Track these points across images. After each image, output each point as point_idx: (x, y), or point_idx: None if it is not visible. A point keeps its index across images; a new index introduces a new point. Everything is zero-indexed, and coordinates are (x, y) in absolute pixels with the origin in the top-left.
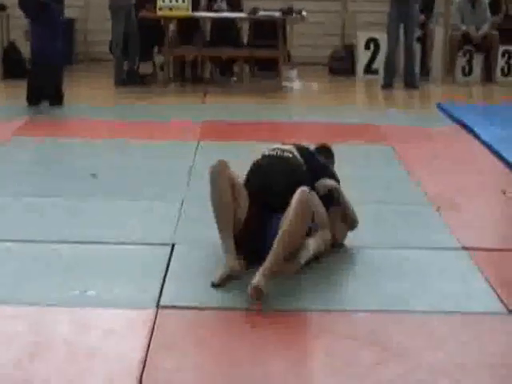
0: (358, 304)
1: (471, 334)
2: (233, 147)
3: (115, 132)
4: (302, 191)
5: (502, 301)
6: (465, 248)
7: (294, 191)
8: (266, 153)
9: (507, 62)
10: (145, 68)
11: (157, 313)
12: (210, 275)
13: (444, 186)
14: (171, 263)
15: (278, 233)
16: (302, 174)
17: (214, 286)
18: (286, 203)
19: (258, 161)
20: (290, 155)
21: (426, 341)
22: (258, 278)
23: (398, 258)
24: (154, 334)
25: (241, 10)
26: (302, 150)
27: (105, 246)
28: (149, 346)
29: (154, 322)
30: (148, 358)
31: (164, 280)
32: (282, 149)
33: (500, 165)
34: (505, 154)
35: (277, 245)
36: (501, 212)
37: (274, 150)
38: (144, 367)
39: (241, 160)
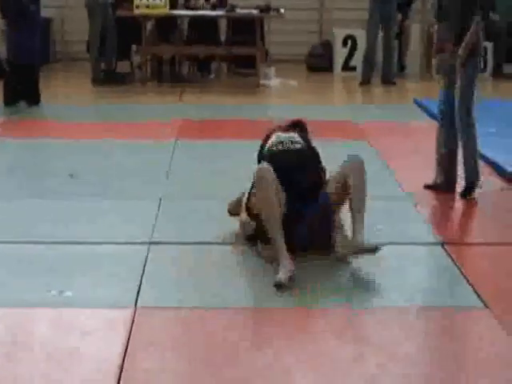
0: (336, 299)
1: (448, 327)
2: (211, 145)
3: (93, 132)
4: (355, 159)
5: (478, 295)
6: (442, 242)
7: (315, 177)
8: (280, 148)
9: (483, 58)
10: (122, 67)
11: (135, 312)
12: (187, 274)
13: (421, 181)
14: (149, 262)
15: (354, 204)
16: (315, 159)
17: (280, 286)
18: (313, 190)
19: (274, 158)
20: (300, 145)
21: (402, 334)
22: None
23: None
24: (133, 333)
25: (224, 6)
26: (301, 134)
27: (82, 245)
28: (127, 345)
29: (133, 322)
30: (126, 358)
31: (142, 279)
32: (290, 140)
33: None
34: (481, 150)
35: (360, 217)
36: (477, 206)
37: (283, 143)
38: (122, 367)
39: (218, 158)
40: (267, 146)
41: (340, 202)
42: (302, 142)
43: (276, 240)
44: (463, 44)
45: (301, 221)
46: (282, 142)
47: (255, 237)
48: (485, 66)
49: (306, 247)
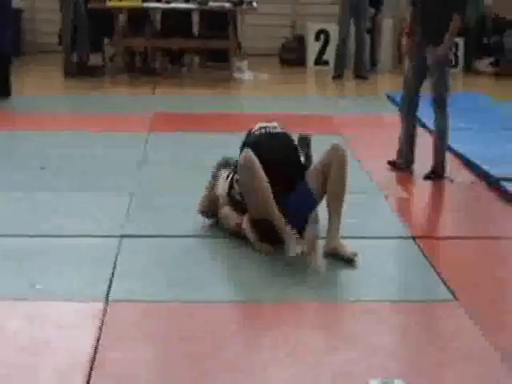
0: (309, 294)
1: (418, 319)
2: (183, 138)
3: (65, 124)
4: (338, 148)
5: (448, 289)
6: (414, 236)
7: (298, 161)
8: (263, 131)
9: (454, 53)
10: (95, 59)
11: (106, 306)
12: (158, 267)
13: (393, 175)
14: (120, 255)
15: (332, 195)
16: (295, 146)
17: (300, 255)
18: (294, 175)
19: (257, 141)
20: (281, 132)
21: (374, 327)
22: (337, 242)
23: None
24: (105, 326)
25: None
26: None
27: (53, 238)
28: (99, 338)
29: (104, 315)
30: (98, 350)
31: (113, 272)
32: (274, 126)
33: (446, 152)
34: (450, 142)
35: (337, 207)
36: (448, 200)
37: (266, 128)
38: (94, 359)
39: (191, 151)
40: (251, 132)
41: (321, 193)
42: (283, 130)
43: (275, 220)
44: (445, 41)
45: (283, 207)
46: (266, 127)
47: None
48: (456, 61)
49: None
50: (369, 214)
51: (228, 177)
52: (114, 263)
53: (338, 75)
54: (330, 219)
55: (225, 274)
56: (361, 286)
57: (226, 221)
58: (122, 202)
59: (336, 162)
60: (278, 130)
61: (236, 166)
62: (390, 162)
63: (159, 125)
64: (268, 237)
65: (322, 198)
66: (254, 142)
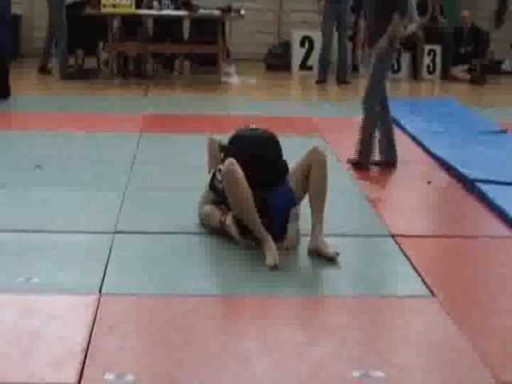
0: (290, 289)
1: (397, 314)
2: (173, 139)
3: (59, 124)
4: (318, 151)
5: (426, 285)
6: (393, 235)
7: (280, 159)
8: (247, 129)
9: (432, 61)
10: (90, 63)
11: (99, 298)
12: (150, 262)
13: (374, 176)
14: (113, 251)
15: (315, 194)
16: (279, 147)
17: (275, 267)
18: (279, 173)
19: (241, 135)
20: (264, 131)
21: (354, 321)
22: (320, 241)
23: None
24: (97, 319)
25: (190, 9)
26: None
27: (48, 234)
28: (92, 330)
29: (97, 308)
30: (91, 342)
31: (106, 267)
32: (256, 128)
33: (424, 155)
34: (428, 145)
35: (320, 206)
36: (426, 201)
37: (249, 127)
38: (88, 349)
39: (182, 151)
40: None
41: (301, 194)
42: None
43: (256, 229)
44: (383, 37)
45: (264, 207)
46: (249, 126)
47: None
48: (433, 68)
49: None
50: (350, 213)
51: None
52: (108, 258)
53: (322, 80)
54: (312, 219)
55: (215, 269)
56: (341, 282)
57: (208, 218)
58: (115, 200)
59: (316, 162)
60: (261, 129)
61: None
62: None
63: (150, 126)
64: (250, 234)
65: (301, 198)
66: (239, 137)
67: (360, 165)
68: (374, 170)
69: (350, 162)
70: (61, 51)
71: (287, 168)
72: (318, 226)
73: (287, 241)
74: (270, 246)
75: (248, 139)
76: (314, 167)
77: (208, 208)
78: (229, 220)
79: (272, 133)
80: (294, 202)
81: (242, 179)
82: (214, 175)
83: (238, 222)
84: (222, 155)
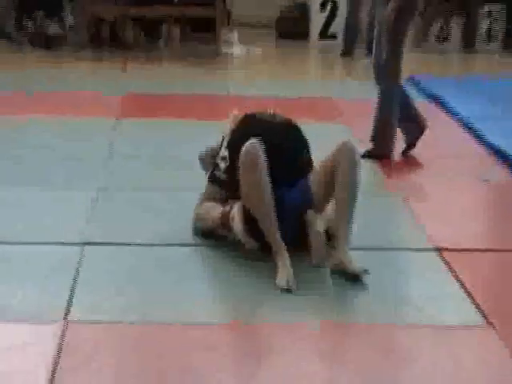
0: (309, 315)
1: (444, 347)
2: (160, 125)
3: (16, 107)
4: (349, 147)
5: (479, 311)
6: (437, 248)
7: (303, 153)
8: (263, 113)
9: (491, 26)
10: (53, 28)
11: (66, 326)
12: (129, 282)
13: (414, 173)
14: (83, 267)
15: (341, 201)
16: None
17: (288, 291)
18: (298, 169)
19: (249, 121)
20: (284, 117)
21: (391, 355)
22: (344, 255)
23: (364, 260)
24: (63, 351)
25: None
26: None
27: (2, 246)
28: (56, 365)
29: (62, 338)
30: (55, 379)
31: (74, 288)
32: (274, 113)
33: (480, 148)
34: (486, 136)
35: (347, 216)
36: (480, 204)
37: (266, 112)
38: None
39: (168, 142)
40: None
41: (323, 198)
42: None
43: (271, 233)
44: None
45: (279, 208)
46: (264, 112)
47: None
48: (493, 36)
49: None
50: (383, 220)
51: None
52: (75, 276)
53: (348, 52)
54: (337, 229)
55: (203, 291)
56: (373, 307)
57: (204, 216)
58: (86, 203)
59: (345, 163)
60: (281, 116)
61: (223, 141)
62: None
63: (130, 109)
64: (258, 233)
65: (323, 204)
66: (249, 123)
67: (381, 155)
68: (407, 162)
69: (370, 153)
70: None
71: (310, 164)
72: (343, 239)
73: (315, 255)
74: (285, 261)
75: (260, 126)
76: (343, 169)
77: (208, 204)
78: (236, 209)
79: (295, 122)
80: (310, 203)
81: (264, 166)
82: (215, 165)
83: (247, 220)
84: (224, 145)
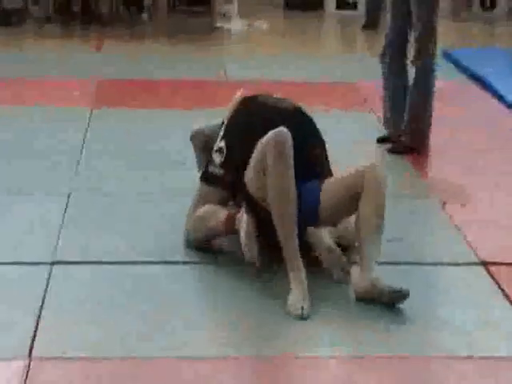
0: (339, 343)
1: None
2: (142, 116)
3: None
4: (377, 171)
5: None
6: (484, 262)
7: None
8: (262, 95)
9: None
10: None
11: (29, 365)
12: (102, 307)
13: (453, 171)
14: (50, 291)
15: (367, 228)
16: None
17: (302, 318)
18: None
19: (252, 104)
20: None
21: None
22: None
23: (394, 277)
24: None
25: None
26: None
27: None
28: None
29: (25, 379)
30: None
31: (39, 317)
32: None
33: None
34: None
35: (373, 241)
36: None
37: (274, 97)
38: None
39: (150, 135)
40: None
41: (328, 218)
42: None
43: (289, 244)
44: None
45: None
46: (268, 95)
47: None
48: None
49: None
50: (419, 229)
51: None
52: (42, 303)
53: (372, 23)
54: (359, 251)
55: (192, 318)
56: (405, 334)
57: (204, 221)
58: (54, 211)
59: (373, 188)
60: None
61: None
62: (380, 140)
63: (107, 97)
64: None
65: (328, 222)
66: (251, 107)
67: (414, 149)
68: (445, 158)
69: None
70: None
71: (323, 163)
72: (368, 261)
73: (337, 268)
74: (301, 279)
75: (262, 111)
76: (370, 194)
77: (205, 208)
78: (243, 212)
79: (306, 111)
80: (314, 212)
81: (292, 163)
82: (208, 161)
83: (258, 225)
84: (220, 135)
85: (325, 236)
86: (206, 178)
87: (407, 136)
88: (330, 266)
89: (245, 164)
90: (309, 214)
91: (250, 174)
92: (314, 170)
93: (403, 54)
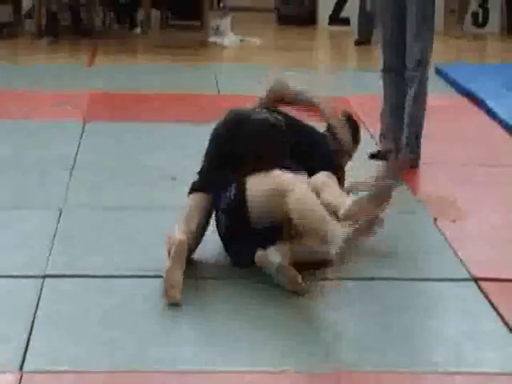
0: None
1: None
2: (135, 130)
3: None
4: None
5: None
6: (475, 278)
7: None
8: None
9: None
10: (3, 14)
11: (20, 378)
12: (96, 321)
13: (444, 187)
14: (41, 305)
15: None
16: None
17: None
18: None
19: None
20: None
21: None
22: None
23: (388, 292)
24: None
25: None
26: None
27: None
28: None
29: None
30: None
31: (31, 331)
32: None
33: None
34: None
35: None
36: None
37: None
38: None
39: (143, 149)
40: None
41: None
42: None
43: None
44: None
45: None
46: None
47: None
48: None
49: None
50: (410, 245)
51: None
52: (33, 317)
53: (364, 40)
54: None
55: (187, 331)
56: (396, 350)
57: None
58: (46, 225)
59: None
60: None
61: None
62: (372, 156)
63: (98, 111)
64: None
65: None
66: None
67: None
68: (437, 172)
69: (404, 162)
70: None
71: None
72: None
73: (292, 284)
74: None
75: (234, 125)
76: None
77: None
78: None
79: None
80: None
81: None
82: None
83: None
84: None
85: (273, 255)
86: (194, 188)
87: (409, 149)
88: (284, 284)
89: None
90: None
91: None
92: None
93: (403, 66)
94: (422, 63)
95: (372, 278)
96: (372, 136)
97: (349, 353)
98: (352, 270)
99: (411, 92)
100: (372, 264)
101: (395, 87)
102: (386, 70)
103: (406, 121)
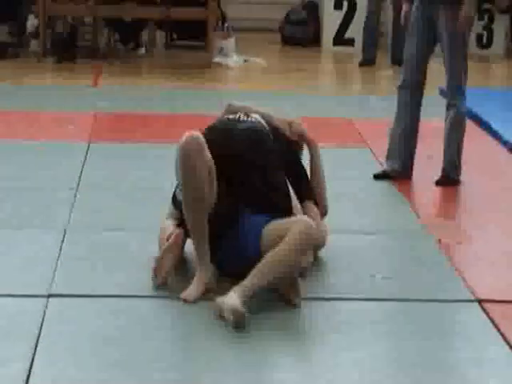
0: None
1: None
2: (138, 151)
3: None
4: (305, 222)
5: None
6: (479, 300)
7: (274, 176)
8: (228, 119)
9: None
10: (4, 35)
11: None
12: (98, 339)
13: (449, 209)
14: (46, 324)
15: (268, 257)
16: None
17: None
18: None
19: (213, 131)
20: (259, 124)
21: None
22: (235, 299)
23: (390, 314)
24: None
25: None
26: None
27: None
28: None
29: None
30: None
31: (35, 351)
32: (247, 114)
33: None
34: None
35: (263, 270)
36: None
37: (235, 116)
38: None
39: (147, 170)
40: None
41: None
42: (265, 125)
43: (198, 243)
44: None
45: (231, 230)
46: (235, 114)
47: None
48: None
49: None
50: (414, 266)
51: None
52: (38, 336)
53: (369, 61)
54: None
55: (192, 352)
56: (397, 375)
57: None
58: (50, 246)
59: (286, 241)
60: (254, 120)
61: None
62: (377, 176)
63: (102, 132)
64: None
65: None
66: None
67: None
68: (441, 196)
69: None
70: None
71: (286, 202)
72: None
73: (294, 293)
74: (202, 277)
75: (222, 132)
76: (284, 243)
77: (166, 222)
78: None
79: (258, 125)
80: (258, 240)
81: (204, 168)
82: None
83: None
84: None
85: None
86: (172, 199)
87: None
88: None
89: None
90: (250, 248)
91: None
92: (270, 200)
93: (421, 88)
94: (459, 93)
95: (376, 299)
96: (375, 157)
97: (347, 377)
98: (353, 290)
99: (449, 117)
100: (374, 284)
101: (410, 105)
102: (404, 86)
103: (444, 144)
